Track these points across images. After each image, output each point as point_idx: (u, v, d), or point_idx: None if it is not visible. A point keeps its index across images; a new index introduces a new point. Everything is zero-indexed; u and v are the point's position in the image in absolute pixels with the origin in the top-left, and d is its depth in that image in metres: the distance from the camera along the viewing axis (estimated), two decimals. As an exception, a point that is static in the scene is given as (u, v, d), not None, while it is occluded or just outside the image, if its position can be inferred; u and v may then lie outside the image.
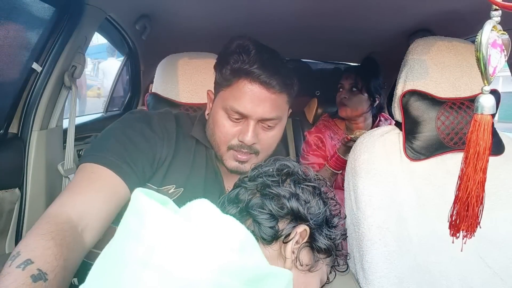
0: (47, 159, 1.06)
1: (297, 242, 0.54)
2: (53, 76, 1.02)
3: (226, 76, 0.79)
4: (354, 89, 1.52)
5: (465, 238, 0.56)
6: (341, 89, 1.55)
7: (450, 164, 1.00)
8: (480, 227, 0.55)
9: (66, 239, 0.57)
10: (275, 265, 0.49)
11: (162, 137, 0.79)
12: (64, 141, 1.16)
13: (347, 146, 1.32)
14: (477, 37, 0.43)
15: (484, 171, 0.48)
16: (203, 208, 0.47)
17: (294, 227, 0.55)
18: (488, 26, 0.43)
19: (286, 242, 0.54)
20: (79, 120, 1.49)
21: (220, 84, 0.81)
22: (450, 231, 0.57)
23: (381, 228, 0.94)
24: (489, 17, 0.44)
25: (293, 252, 0.54)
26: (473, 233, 0.55)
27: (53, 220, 0.59)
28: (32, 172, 1.01)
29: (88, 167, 0.71)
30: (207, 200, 0.48)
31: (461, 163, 0.50)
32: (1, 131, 0.96)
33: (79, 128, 1.27)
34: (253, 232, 0.53)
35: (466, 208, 0.51)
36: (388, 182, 0.97)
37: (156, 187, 0.76)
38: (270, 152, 0.85)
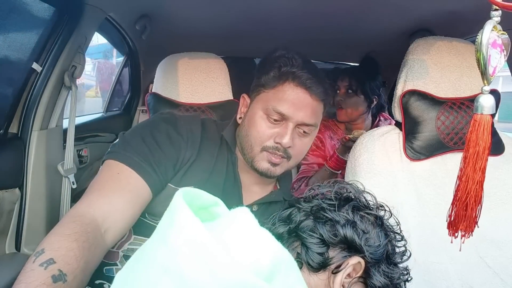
0: (47, 159, 1.06)
1: (349, 275, 0.49)
2: (53, 76, 1.02)
3: (271, 78, 0.81)
4: (350, 91, 1.51)
5: (463, 238, 0.56)
6: (337, 91, 1.55)
7: (450, 164, 1.00)
8: (478, 227, 0.55)
9: (89, 241, 0.58)
10: None
11: (187, 139, 0.80)
12: (64, 141, 1.16)
13: (346, 146, 1.31)
14: (477, 37, 0.43)
15: (483, 171, 0.48)
16: (240, 220, 0.41)
17: (346, 257, 0.49)
18: (488, 26, 0.43)
19: (336, 273, 0.48)
20: (79, 120, 1.49)
21: (263, 86, 0.82)
22: (449, 231, 0.57)
23: (381, 228, 0.94)
24: (489, 17, 0.44)
25: (343, 286, 0.48)
26: (471, 233, 0.55)
27: (79, 219, 0.61)
28: (32, 172, 1.01)
29: (114, 165, 0.73)
30: (248, 210, 0.42)
31: (461, 163, 0.50)
32: (1, 131, 0.96)
33: (79, 128, 1.27)
34: (299, 255, 0.50)
35: (465, 208, 0.51)
36: (388, 182, 0.97)
37: (174, 187, 0.77)
38: (300, 159, 0.87)
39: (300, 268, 0.50)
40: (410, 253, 0.56)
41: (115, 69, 1.97)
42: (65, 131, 1.16)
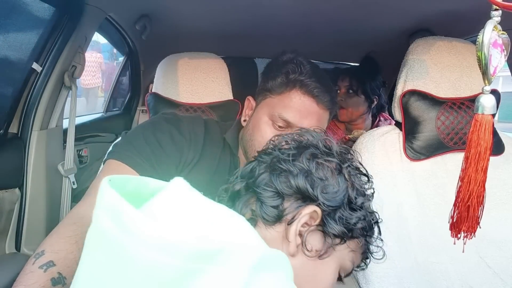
0: (47, 159, 1.06)
1: (306, 224, 0.49)
2: (53, 76, 1.02)
3: (278, 84, 0.80)
4: (350, 91, 1.51)
5: (465, 239, 0.56)
6: (337, 91, 1.54)
7: (450, 164, 1.01)
8: (480, 227, 0.55)
9: None
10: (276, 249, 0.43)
11: (190, 140, 0.80)
12: (64, 141, 1.16)
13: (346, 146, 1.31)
14: (478, 37, 0.43)
15: (485, 171, 0.48)
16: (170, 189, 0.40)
17: (300, 207, 0.49)
18: (489, 26, 0.43)
19: (291, 224, 0.48)
20: (79, 120, 1.49)
21: (269, 91, 0.82)
22: (451, 232, 0.57)
23: (381, 228, 0.94)
24: (489, 17, 0.44)
25: (300, 235, 0.48)
26: (474, 234, 0.55)
27: (79, 221, 0.60)
28: (32, 172, 1.01)
29: (116, 165, 0.72)
30: (183, 182, 0.42)
31: (462, 164, 0.50)
32: (1, 131, 0.96)
33: (79, 128, 1.27)
34: (253, 212, 0.50)
35: (467, 209, 0.51)
36: (388, 182, 0.97)
37: None
38: None
39: (255, 225, 0.49)
40: (372, 193, 0.56)
41: (115, 69, 1.97)
42: (65, 131, 1.16)
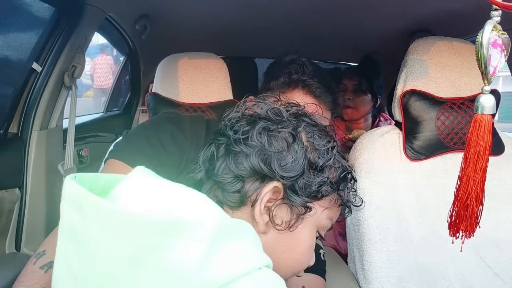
0: (47, 159, 1.05)
1: (272, 199, 0.48)
2: (53, 76, 1.02)
3: (281, 84, 0.81)
4: (358, 90, 1.51)
5: (463, 238, 0.56)
6: (343, 91, 1.53)
7: (450, 164, 1.01)
8: (479, 227, 0.55)
9: None
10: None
11: (192, 140, 0.80)
12: (64, 141, 1.16)
13: (346, 146, 1.31)
14: (477, 37, 0.43)
15: (484, 171, 0.48)
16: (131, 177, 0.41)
17: (260, 187, 0.47)
18: (489, 26, 0.43)
19: (254, 205, 0.47)
20: (79, 120, 1.49)
21: (271, 91, 0.82)
22: (450, 231, 0.57)
23: (381, 228, 0.94)
24: (489, 17, 0.44)
25: (269, 210, 0.47)
26: (473, 233, 0.55)
27: None
28: (32, 172, 1.01)
29: (117, 165, 0.72)
30: (144, 169, 0.43)
31: (461, 163, 0.50)
32: (1, 131, 0.96)
33: (79, 128, 1.27)
34: (217, 197, 0.49)
35: (466, 208, 0.51)
36: (388, 182, 0.97)
37: None
38: None
39: (222, 207, 0.48)
40: (334, 146, 0.52)
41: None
42: (65, 131, 1.16)
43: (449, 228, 0.56)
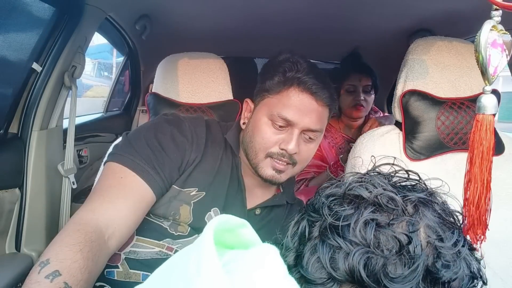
0: (47, 159, 1.05)
1: None
2: (53, 76, 1.02)
3: (276, 83, 0.80)
4: (371, 89, 1.50)
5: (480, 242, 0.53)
6: (354, 91, 1.50)
7: (450, 164, 1.00)
8: (489, 229, 0.53)
9: (93, 250, 0.59)
10: None
11: (191, 141, 0.80)
12: (64, 141, 1.16)
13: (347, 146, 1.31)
14: (476, 37, 0.43)
15: (489, 171, 0.47)
16: (268, 265, 0.33)
17: None
18: (487, 26, 0.43)
19: None
20: (79, 120, 1.49)
21: (267, 91, 0.81)
22: (471, 237, 0.52)
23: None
24: (489, 17, 0.44)
25: None
26: (485, 237, 0.51)
27: (82, 228, 0.60)
28: (32, 172, 1.01)
29: (117, 169, 0.72)
30: (277, 253, 0.35)
31: (466, 165, 0.50)
32: (1, 131, 0.96)
33: (79, 128, 1.27)
34: None
35: (478, 211, 0.50)
36: (388, 182, 0.97)
37: (179, 188, 0.77)
38: (306, 165, 0.85)
39: None
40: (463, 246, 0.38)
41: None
42: (65, 131, 1.16)
43: (466, 233, 0.52)
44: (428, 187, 0.44)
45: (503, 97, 1.04)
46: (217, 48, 1.61)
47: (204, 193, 0.78)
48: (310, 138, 0.80)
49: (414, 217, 0.38)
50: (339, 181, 0.44)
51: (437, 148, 1.00)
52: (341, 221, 0.37)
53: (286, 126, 0.78)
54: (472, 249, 0.40)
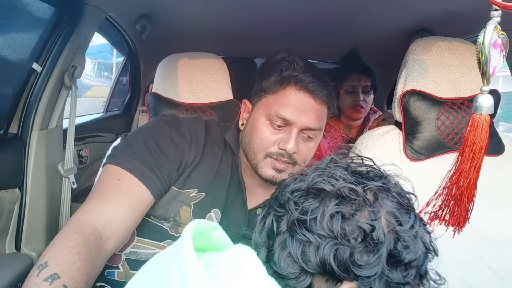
0: (47, 159, 1.06)
1: None
2: (53, 76, 1.02)
3: (273, 83, 0.79)
4: (370, 89, 1.50)
5: (454, 233, 0.55)
6: (353, 91, 1.51)
7: (450, 164, 1.00)
8: (469, 223, 0.54)
9: (91, 252, 0.59)
10: None
11: (190, 141, 0.79)
12: (64, 141, 1.16)
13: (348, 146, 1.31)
14: (479, 37, 0.43)
15: (478, 170, 0.48)
16: (246, 270, 0.35)
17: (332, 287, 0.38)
18: (490, 26, 0.43)
19: None
20: (79, 120, 1.49)
21: (265, 91, 0.81)
22: (438, 222, 0.55)
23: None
24: (489, 17, 0.44)
25: None
26: (462, 228, 0.53)
27: (80, 230, 0.60)
28: (32, 172, 1.01)
29: (115, 171, 0.72)
30: (253, 254, 0.36)
31: (455, 159, 0.50)
32: (1, 131, 0.96)
33: (79, 128, 1.28)
34: None
35: (457, 204, 0.51)
36: (388, 182, 0.97)
37: (178, 189, 0.76)
38: (306, 164, 0.85)
39: None
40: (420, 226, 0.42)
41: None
42: (65, 131, 1.16)
43: (434, 219, 0.55)
44: (382, 170, 0.48)
45: (503, 97, 1.04)
46: (217, 48, 1.62)
47: (204, 194, 0.78)
48: (309, 137, 0.79)
49: (375, 205, 0.40)
50: (301, 175, 0.45)
51: (437, 148, 1.00)
52: (308, 215, 0.39)
53: (285, 126, 0.77)
54: (424, 225, 0.44)
